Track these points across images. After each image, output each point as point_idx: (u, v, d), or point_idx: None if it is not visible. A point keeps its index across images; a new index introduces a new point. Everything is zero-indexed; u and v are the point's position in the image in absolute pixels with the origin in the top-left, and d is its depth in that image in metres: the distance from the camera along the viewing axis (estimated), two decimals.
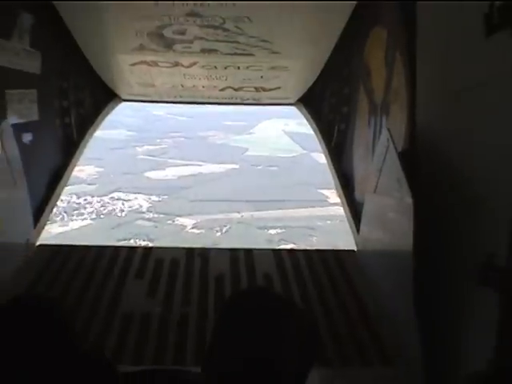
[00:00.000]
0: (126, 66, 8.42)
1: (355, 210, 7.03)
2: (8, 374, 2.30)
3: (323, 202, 50.00)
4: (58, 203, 7.70)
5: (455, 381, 3.63)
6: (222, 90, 9.31)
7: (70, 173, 8.16)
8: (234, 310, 2.66)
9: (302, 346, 2.61)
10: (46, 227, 7.24)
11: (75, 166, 8.44)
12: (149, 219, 49.63)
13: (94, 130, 9.06)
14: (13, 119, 5.88)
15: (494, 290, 3.55)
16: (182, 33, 7.26)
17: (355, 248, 6.51)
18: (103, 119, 9.41)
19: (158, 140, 63.68)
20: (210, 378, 2.44)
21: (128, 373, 2.60)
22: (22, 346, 2.35)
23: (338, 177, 8.00)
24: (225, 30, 7.15)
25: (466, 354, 3.86)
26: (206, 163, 59.20)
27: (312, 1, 5.87)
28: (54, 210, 7.64)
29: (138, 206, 51.47)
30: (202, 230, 47.56)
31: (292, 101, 9.80)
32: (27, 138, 6.49)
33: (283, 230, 47.41)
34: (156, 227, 48.17)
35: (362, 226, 6.34)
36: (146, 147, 62.63)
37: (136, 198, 52.63)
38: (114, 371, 2.52)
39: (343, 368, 4.39)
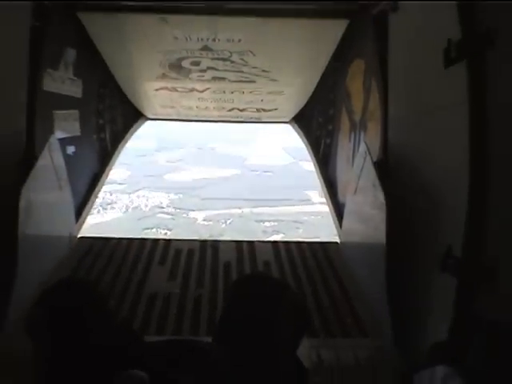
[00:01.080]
0: (151, 91, 8.44)
1: (338, 208, 7.04)
2: (56, 343, 2.31)
3: (308, 201, 50.34)
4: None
5: (420, 350, 3.63)
6: (229, 110, 9.33)
7: (106, 177, 8.19)
8: (240, 290, 2.67)
9: (294, 320, 2.62)
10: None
11: (110, 171, 8.46)
12: (167, 213, 50.06)
13: (125, 143, 9.08)
14: (59, 134, 5.90)
15: (451, 274, 3.57)
16: (197, 64, 7.28)
17: (338, 240, 6.51)
18: (132, 134, 9.42)
19: (175, 149, 63.98)
20: (220, 346, 2.45)
21: (153, 342, 2.60)
22: (66, 320, 2.36)
23: (325, 182, 8.01)
24: (232, 61, 7.16)
25: (429, 327, 3.87)
26: (214, 168, 59.52)
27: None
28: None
29: (158, 202, 51.86)
30: (210, 222, 48.07)
31: (287, 120, 9.80)
32: (71, 149, 6.51)
33: (275, 223, 47.85)
34: (173, 219, 48.63)
35: (344, 222, 6.36)
36: (165, 155, 62.96)
37: (157, 196, 53.08)
38: (140, 340, 2.53)
39: (327, 338, 4.39)
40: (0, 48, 4.66)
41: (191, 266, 5.89)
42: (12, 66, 5.06)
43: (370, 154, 5.11)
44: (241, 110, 9.35)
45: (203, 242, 6.47)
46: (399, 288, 4.34)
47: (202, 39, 6.51)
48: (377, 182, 4.75)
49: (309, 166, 8.94)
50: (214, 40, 6.52)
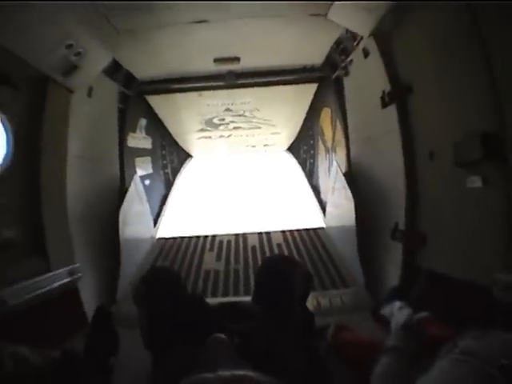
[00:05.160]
0: (194, 139, 8.53)
1: (322, 205, 7.05)
2: (152, 307, 2.40)
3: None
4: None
5: (382, 292, 3.68)
6: (245, 147, 9.40)
7: (170, 198, 8.27)
8: (268, 266, 2.74)
9: (303, 284, 2.70)
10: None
11: (172, 193, 8.55)
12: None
13: (181, 175, 9.14)
14: (139, 173, 6.00)
15: (399, 241, 3.63)
16: (223, 120, 7.39)
17: (324, 226, 6.53)
18: (184, 168, 9.48)
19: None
20: (257, 304, 2.53)
21: (216, 305, 2.69)
22: (158, 292, 2.45)
23: (311, 187, 8.02)
24: (245, 116, 7.27)
25: (387, 277, 3.94)
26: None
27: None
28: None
29: None
30: None
31: (283, 150, 9.84)
32: (147, 182, 6.62)
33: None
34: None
35: (327, 213, 6.39)
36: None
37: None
38: (206, 303, 2.60)
39: (322, 291, 4.42)
40: (100, 121, 4.86)
41: (230, 251, 5.96)
42: (108, 132, 5.24)
43: (340, 168, 5.18)
44: (253, 146, 9.42)
45: (237, 235, 6.52)
46: (367, 253, 4.42)
47: (224, 104, 6.66)
48: (346, 186, 4.83)
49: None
50: (232, 104, 6.66)
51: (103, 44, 3.85)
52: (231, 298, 4.58)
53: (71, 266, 3.63)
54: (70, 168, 3.85)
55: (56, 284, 3.36)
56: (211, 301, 3.71)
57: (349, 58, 4.70)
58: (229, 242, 6.33)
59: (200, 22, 4.00)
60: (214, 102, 6.50)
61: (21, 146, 3.21)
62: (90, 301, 3.83)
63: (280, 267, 2.65)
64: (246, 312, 2.48)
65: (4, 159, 3.11)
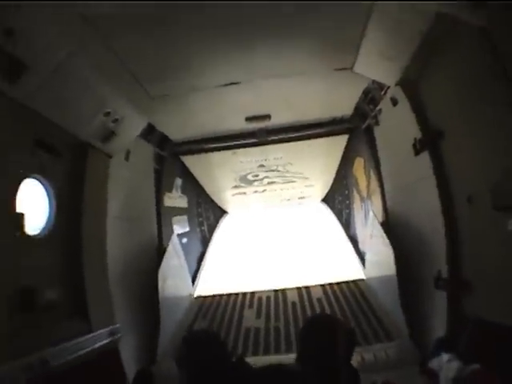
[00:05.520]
0: (229, 196, 8.66)
1: (360, 255, 6.89)
2: (194, 370, 2.36)
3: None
4: None
5: (428, 344, 3.50)
6: (280, 201, 9.44)
7: (208, 254, 8.28)
8: (311, 326, 2.69)
9: (348, 342, 2.62)
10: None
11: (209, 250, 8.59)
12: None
13: (217, 231, 9.20)
14: (176, 231, 6.10)
15: (443, 290, 3.49)
16: (257, 176, 7.51)
17: (364, 277, 6.36)
18: (221, 225, 9.56)
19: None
20: (302, 366, 2.47)
21: (259, 368, 2.64)
22: (200, 355, 2.42)
23: (348, 237, 7.88)
24: (279, 171, 7.37)
25: (432, 328, 3.75)
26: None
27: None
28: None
29: None
30: None
31: (318, 201, 9.82)
32: (184, 240, 6.70)
33: None
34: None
35: (366, 264, 6.23)
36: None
37: None
38: (249, 367, 2.54)
39: (366, 346, 4.28)
40: (138, 182, 5.03)
41: (270, 307, 5.87)
42: (145, 192, 5.41)
43: (376, 217, 5.12)
44: (288, 200, 9.46)
45: (276, 291, 6.44)
46: (409, 303, 4.25)
47: (258, 161, 6.80)
48: (384, 235, 4.75)
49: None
50: (265, 160, 6.78)
51: (138, 110, 4.07)
52: (273, 357, 4.48)
53: (112, 327, 3.65)
54: (110, 229, 3.95)
55: (97, 345, 3.38)
56: (253, 359, 3.63)
57: (378, 108, 4.76)
58: (268, 298, 6.25)
59: (230, 84, 4.18)
60: (247, 159, 6.64)
61: (62, 209, 3.35)
62: (129, 360, 3.81)
63: (323, 328, 2.58)
64: (290, 375, 2.40)
65: (46, 222, 3.24)
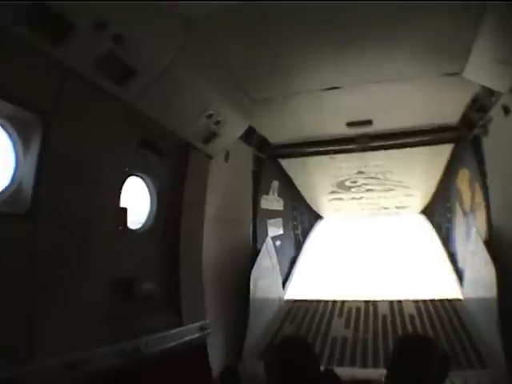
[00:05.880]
0: (326, 201, 8.54)
1: (459, 273, 6.41)
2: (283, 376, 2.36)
3: None
4: None
5: None
6: (377, 209, 9.12)
7: (300, 258, 8.25)
8: (403, 345, 2.59)
9: (440, 365, 2.49)
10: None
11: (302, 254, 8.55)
12: None
13: (311, 236, 9.15)
14: (271, 234, 6.16)
15: None
16: (355, 182, 7.32)
17: (462, 297, 5.90)
18: (315, 230, 9.48)
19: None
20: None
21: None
22: (288, 363, 2.41)
23: (447, 253, 7.37)
24: (378, 179, 7.12)
25: None
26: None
27: None
28: None
29: None
30: None
31: (416, 212, 9.34)
32: (278, 243, 6.73)
33: None
34: None
35: (464, 283, 5.81)
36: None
37: None
38: (338, 380, 2.49)
39: (457, 371, 3.97)
40: (236, 183, 5.17)
41: (359, 318, 5.70)
42: (242, 194, 5.53)
43: (479, 234, 4.76)
44: (385, 208, 9.12)
45: (367, 302, 6.24)
46: (509, 329, 3.89)
47: (357, 167, 6.61)
48: (486, 254, 4.39)
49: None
50: (365, 167, 6.58)
51: (240, 113, 4.16)
52: (359, 370, 4.35)
53: (202, 322, 3.78)
54: (207, 227, 4.11)
55: (186, 338, 3.51)
56: (338, 370, 3.54)
57: (487, 116, 4.38)
58: (358, 308, 6.07)
59: (332, 88, 4.11)
60: (346, 164, 6.49)
61: (163, 206, 3.54)
62: (214, 356, 3.91)
63: (418, 349, 2.45)
64: None
65: (147, 218, 3.45)
